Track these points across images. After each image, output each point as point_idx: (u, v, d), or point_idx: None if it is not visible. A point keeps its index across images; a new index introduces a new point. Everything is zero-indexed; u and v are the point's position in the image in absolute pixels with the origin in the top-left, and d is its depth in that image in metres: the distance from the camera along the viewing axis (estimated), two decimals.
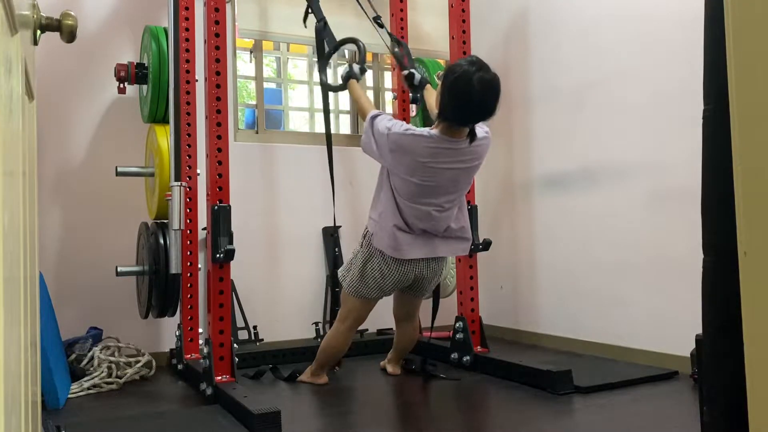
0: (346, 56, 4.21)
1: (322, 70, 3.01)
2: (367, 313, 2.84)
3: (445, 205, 2.62)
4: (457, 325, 3.18)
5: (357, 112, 2.73)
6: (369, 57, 4.24)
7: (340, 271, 2.87)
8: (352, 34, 3.71)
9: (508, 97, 3.98)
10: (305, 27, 3.15)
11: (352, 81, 2.81)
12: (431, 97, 2.87)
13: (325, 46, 3.00)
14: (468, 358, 3.09)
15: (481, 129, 2.60)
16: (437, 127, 2.56)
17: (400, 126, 2.56)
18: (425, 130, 2.58)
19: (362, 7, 3.26)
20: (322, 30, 2.92)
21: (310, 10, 3.08)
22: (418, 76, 2.96)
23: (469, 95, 2.39)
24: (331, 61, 4.12)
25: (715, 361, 1.06)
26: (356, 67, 2.83)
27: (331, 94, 3.32)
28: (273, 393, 2.78)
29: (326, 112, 3.12)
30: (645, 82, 3.10)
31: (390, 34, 3.28)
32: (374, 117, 2.62)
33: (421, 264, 2.67)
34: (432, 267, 2.72)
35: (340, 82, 2.91)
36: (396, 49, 3.17)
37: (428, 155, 2.49)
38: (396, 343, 3.04)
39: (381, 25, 3.23)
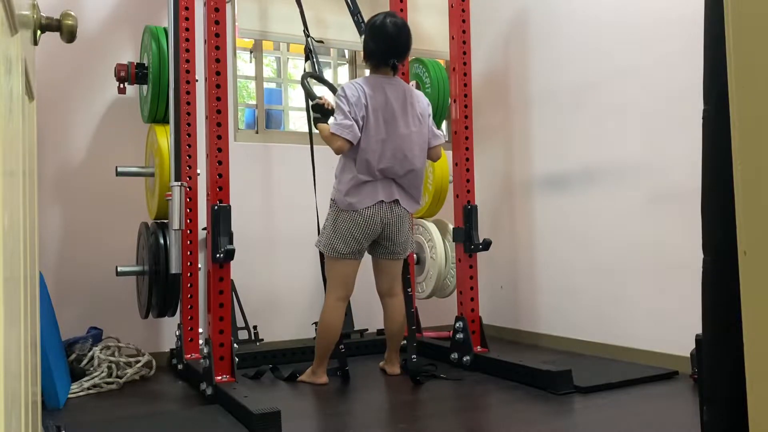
0: (346, 56, 4.22)
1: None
2: (350, 277, 2.87)
3: (397, 142, 2.82)
4: (457, 325, 3.18)
5: (326, 141, 2.91)
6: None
7: (317, 241, 2.96)
8: (351, 35, 3.72)
9: (507, 97, 4.00)
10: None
11: (323, 126, 2.94)
12: None
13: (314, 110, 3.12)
14: (468, 358, 3.09)
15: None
16: (369, 72, 2.97)
17: (344, 83, 2.92)
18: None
19: (359, 30, 3.39)
20: (318, 107, 3.04)
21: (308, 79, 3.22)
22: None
23: (385, 34, 2.87)
24: (330, 60, 4.15)
25: (715, 361, 1.06)
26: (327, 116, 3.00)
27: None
28: (273, 393, 2.78)
29: (308, 112, 3.27)
30: (645, 82, 3.10)
31: None
32: (332, 126, 2.81)
33: (384, 207, 2.84)
34: (395, 212, 2.87)
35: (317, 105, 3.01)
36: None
37: (370, 87, 2.84)
38: (386, 331, 3.04)
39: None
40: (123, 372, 2.94)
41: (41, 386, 2.37)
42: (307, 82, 3.10)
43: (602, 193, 3.33)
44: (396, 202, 2.87)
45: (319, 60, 3.37)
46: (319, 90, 3.23)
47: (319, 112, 2.96)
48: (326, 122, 2.97)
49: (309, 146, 3.31)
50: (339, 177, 2.87)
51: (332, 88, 3.23)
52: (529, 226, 3.81)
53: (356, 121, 2.77)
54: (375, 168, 2.79)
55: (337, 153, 2.82)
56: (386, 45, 2.88)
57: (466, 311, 3.20)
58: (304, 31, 3.39)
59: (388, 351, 3.09)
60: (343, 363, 3.01)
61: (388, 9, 3.67)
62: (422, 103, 2.97)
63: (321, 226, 3.22)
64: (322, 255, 2.98)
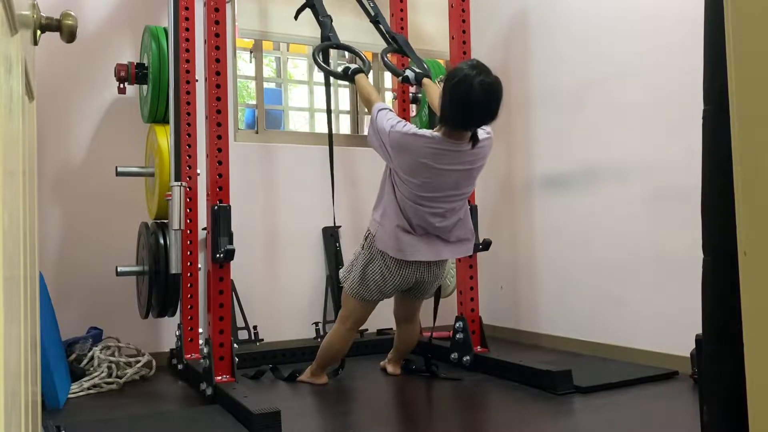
0: (347, 56, 4.21)
1: (325, 60, 2.98)
2: (368, 314, 2.84)
3: (447, 207, 2.59)
4: (457, 325, 3.18)
5: (362, 102, 2.74)
6: (369, 56, 4.24)
7: (342, 272, 2.86)
8: (353, 34, 3.72)
9: (508, 97, 3.97)
10: (295, 20, 3.17)
11: (361, 74, 2.78)
12: (432, 91, 2.87)
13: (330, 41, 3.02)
14: (468, 358, 3.09)
15: (482, 130, 2.58)
16: (439, 130, 2.54)
17: (402, 126, 2.53)
18: (428, 132, 2.56)
19: (362, 7, 3.28)
20: (328, 26, 2.92)
21: (307, 7, 3.09)
22: (411, 74, 2.93)
23: (470, 99, 2.37)
24: (331, 61, 4.13)
25: (715, 361, 1.06)
26: (365, 69, 2.85)
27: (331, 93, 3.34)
28: (273, 393, 2.78)
29: (329, 110, 3.18)
30: (645, 82, 3.10)
31: (384, 36, 3.26)
32: (379, 110, 2.59)
33: (422, 267, 2.66)
34: (433, 271, 2.71)
35: (342, 68, 2.88)
36: (386, 58, 3.13)
37: (429, 156, 2.47)
38: (396, 344, 3.05)
39: (378, 27, 3.25)
40: (123, 372, 2.94)
41: (41, 386, 2.37)
42: (320, 56, 2.89)
43: (602, 193, 3.33)
44: (438, 263, 2.68)
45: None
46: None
47: (357, 72, 2.78)
48: (367, 71, 2.83)
49: (310, 146, 3.31)
50: (382, 211, 2.63)
51: (356, 53, 3.02)
52: (529, 226, 3.81)
53: (397, 166, 2.52)
54: (419, 232, 2.60)
55: (366, 105, 2.71)
56: (468, 111, 2.41)
57: (466, 311, 3.20)
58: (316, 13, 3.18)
59: (392, 353, 3.08)
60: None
61: (388, 10, 3.68)
62: (485, 158, 2.63)
63: (332, 233, 3.14)
64: (338, 280, 2.93)
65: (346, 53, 4.15)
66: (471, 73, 2.38)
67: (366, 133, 2.75)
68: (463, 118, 2.44)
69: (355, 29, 3.58)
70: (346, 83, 3.65)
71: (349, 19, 3.58)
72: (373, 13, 3.24)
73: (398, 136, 2.50)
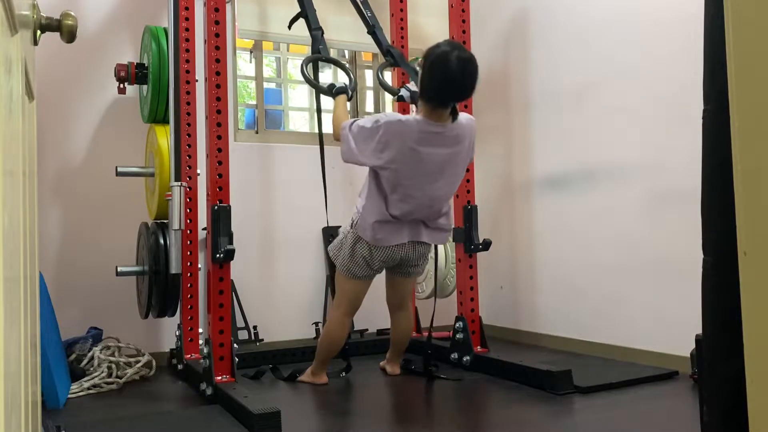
0: (346, 56, 4.21)
1: (313, 72, 3.02)
2: (360, 295, 2.85)
3: (432, 195, 2.66)
4: (457, 325, 3.18)
5: (333, 121, 2.80)
6: (369, 57, 4.25)
7: (331, 249, 2.88)
8: (351, 35, 3.73)
9: (507, 97, 4.00)
10: (289, 29, 3.20)
11: (342, 96, 2.84)
12: None
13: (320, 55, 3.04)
14: (468, 358, 3.09)
15: (464, 116, 2.70)
16: (420, 112, 2.63)
17: (385, 117, 2.62)
18: (411, 116, 2.65)
19: (361, 16, 3.30)
20: (319, 39, 2.96)
21: (300, 17, 3.12)
22: (406, 93, 2.92)
23: (448, 73, 2.49)
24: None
25: (715, 361, 1.06)
26: (349, 88, 2.88)
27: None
28: (273, 393, 2.78)
29: (318, 110, 3.19)
30: (644, 83, 3.10)
31: (380, 47, 3.27)
32: (350, 124, 2.67)
33: (406, 246, 2.74)
34: (417, 249, 2.78)
35: (328, 84, 2.90)
36: (381, 75, 3.15)
37: (416, 140, 2.55)
38: (392, 338, 3.04)
39: (375, 38, 3.26)
40: (123, 372, 2.94)
41: (41, 386, 2.37)
42: (307, 70, 2.90)
43: (602, 193, 3.33)
44: (421, 243, 2.76)
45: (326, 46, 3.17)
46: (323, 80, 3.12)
47: (340, 92, 2.81)
48: (350, 95, 2.85)
49: (310, 146, 3.30)
50: (365, 203, 2.69)
51: (344, 68, 3.04)
52: (529, 226, 3.81)
53: (381, 159, 2.56)
54: (404, 218, 2.68)
55: (335, 126, 2.74)
56: (446, 85, 2.52)
57: (466, 311, 3.20)
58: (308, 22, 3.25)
59: (390, 352, 3.09)
60: (345, 356, 3.02)
61: (388, 10, 3.68)
62: (472, 141, 2.73)
63: (332, 233, 3.14)
64: (332, 264, 2.95)
65: (346, 52, 4.16)
66: (447, 49, 2.53)
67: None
68: (442, 93, 2.55)
69: (354, 30, 3.58)
70: (342, 82, 3.64)
71: (349, 19, 3.58)
72: (371, 24, 3.26)
73: (389, 123, 2.56)
